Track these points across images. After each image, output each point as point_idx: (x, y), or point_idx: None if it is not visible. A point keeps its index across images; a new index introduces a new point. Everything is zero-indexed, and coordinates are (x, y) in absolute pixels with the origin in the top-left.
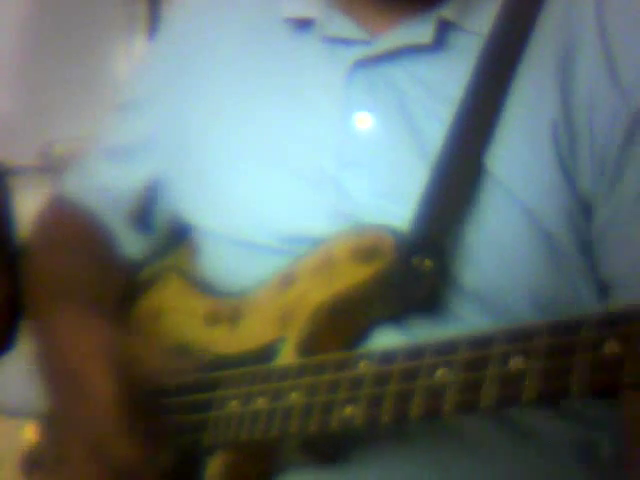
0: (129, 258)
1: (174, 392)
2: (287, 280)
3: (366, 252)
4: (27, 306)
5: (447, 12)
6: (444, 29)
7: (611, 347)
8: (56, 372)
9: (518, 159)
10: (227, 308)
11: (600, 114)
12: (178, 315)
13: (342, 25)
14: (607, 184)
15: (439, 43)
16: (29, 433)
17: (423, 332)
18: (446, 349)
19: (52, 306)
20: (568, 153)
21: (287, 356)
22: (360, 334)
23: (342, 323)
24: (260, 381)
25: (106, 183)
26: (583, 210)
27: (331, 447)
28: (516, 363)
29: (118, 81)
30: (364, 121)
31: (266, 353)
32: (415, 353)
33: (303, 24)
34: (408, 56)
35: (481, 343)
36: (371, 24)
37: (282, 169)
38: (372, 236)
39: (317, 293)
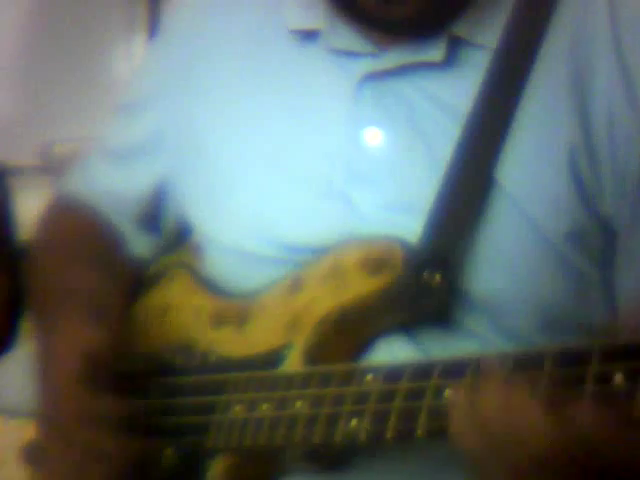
0: (138, 258)
1: (177, 392)
2: (295, 286)
3: (375, 263)
4: (29, 308)
5: (458, 28)
6: (455, 45)
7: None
8: (45, 375)
9: (529, 174)
10: (234, 310)
11: (619, 133)
12: (184, 313)
13: (348, 37)
14: (629, 205)
15: (450, 59)
16: (29, 433)
17: (431, 343)
18: (454, 369)
19: (51, 310)
20: (590, 175)
21: (293, 363)
22: (366, 344)
23: (349, 333)
24: (266, 387)
25: (111, 186)
26: (602, 230)
27: (333, 455)
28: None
29: (118, 82)
30: (374, 136)
31: (272, 358)
32: (422, 370)
33: (308, 35)
34: (417, 71)
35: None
36: (377, 37)
37: (289, 180)
38: (382, 247)
39: (325, 301)
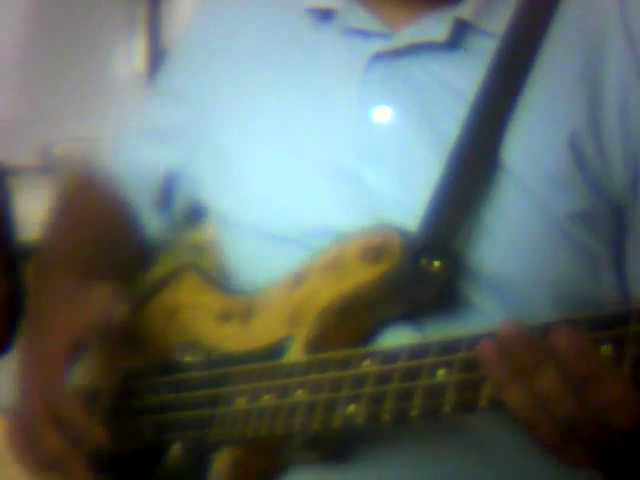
0: (148, 236)
1: (182, 388)
2: (298, 279)
3: (374, 252)
4: (33, 269)
5: (464, 12)
6: (461, 29)
7: None
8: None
9: (533, 155)
10: (240, 306)
11: (632, 118)
12: (193, 311)
13: (362, 17)
14: None
15: (455, 42)
16: None
17: (438, 328)
18: (449, 349)
19: (53, 272)
20: (597, 159)
21: (295, 354)
22: (368, 333)
23: (350, 322)
24: (267, 378)
25: (137, 159)
26: (612, 211)
27: (336, 444)
28: None
29: (118, 82)
30: (383, 115)
31: (274, 351)
32: (417, 352)
33: (324, 15)
34: (425, 52)
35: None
36: (390, 18)
37: (302, 160)
38: (380, 236)
39: (326, 292)
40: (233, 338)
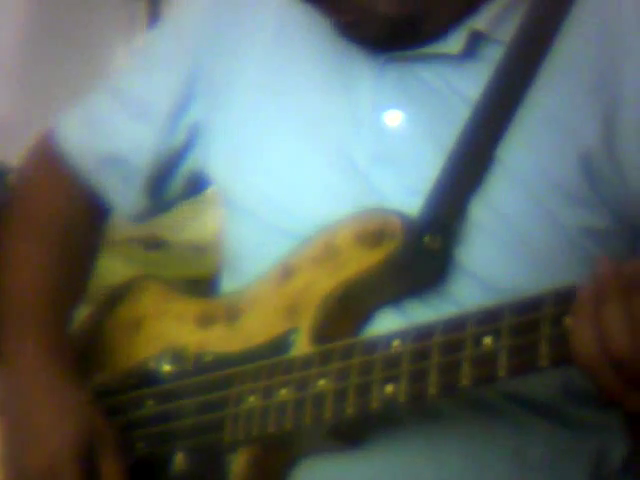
0: (125, 216)
1: (176, 396)
2: (286, 272)
3: (373, 236)
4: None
5: (479, 23)
6: (475, 39)
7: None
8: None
9: (539, 160)
10: (221, 307)
11: None
12: (164, 320)
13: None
14: None
15: (469, 51)
16: None
17: (421, 315)
18: (489, 318)
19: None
20: (613, 176)
21: (303, 346)
22: (369, 316)
23: (354, 308)
24: (280, 373)
25: (126, 139)
26: (630, 229)
27: (356, 432)
28: (567, 323)
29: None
30: (394, 118)
31: (277, 346)
32: (456, 324)
33: None
34: (437, 59)
35: (529, 307)
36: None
37: (312, 153)
38: (377, 220)
39: (325, 282)
40: (222, 340)
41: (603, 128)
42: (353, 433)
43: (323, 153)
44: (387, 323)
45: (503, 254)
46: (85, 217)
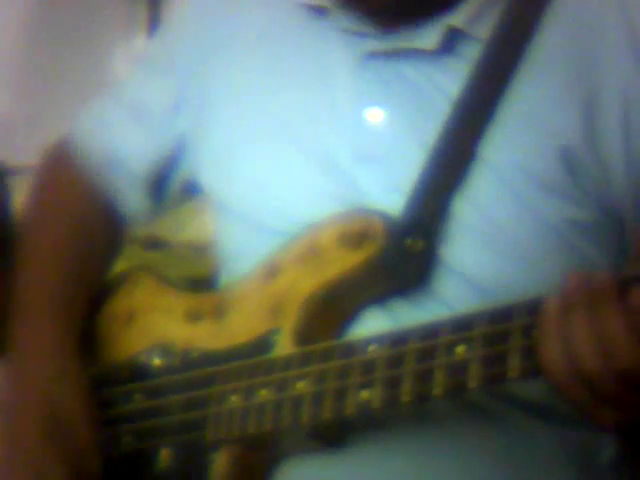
0: (131, 217)
1: (164, 392)
2: (271, 271)
3: (355, 237)
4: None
5: (456, 20)
6: (452, 36)
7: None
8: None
9: (519, 155)
10: (208, 304)
11: (635, 126)
12: (155, 314)
13: (354, 19)
14: None
15: (446, 48)
16: None
17: (407, 314)
18: (464, 326)
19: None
20: (594, 167)
21: (285, 346)
22: (353, 317)
23: (336, 309)
24: (261, 373)
25: (128, 143)
26: (615, 221)
27: (337, 433)
28: (536, 336)
29: (118, 82)
30: (375, 115)
31: (259, 345)
32: (429, 332)
33: (318, 11)
34: (418, 55)
35: (500, 316)
36: (382, 18)
37: (296, 154)
38: (360, 221)
39: (307, 282)
40: (209, 336)
41: (583, 121)
42: (333, 435)
43: (306, 152)
44: (373, 323)
45: (488, 252)
46: (101, 216)
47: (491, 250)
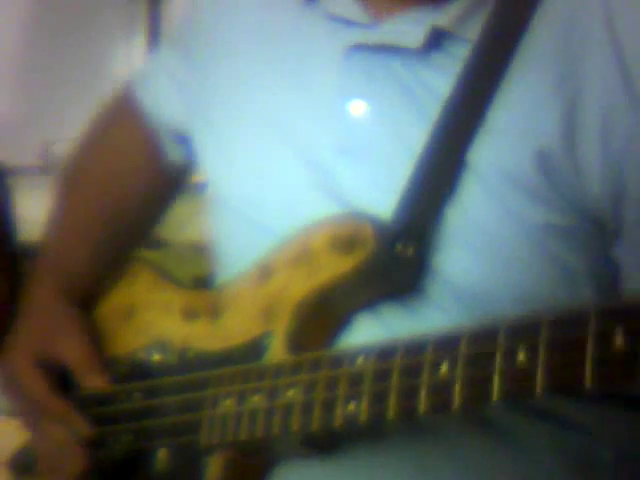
0: (173, 164)
1: (161, 392)
2: (265, 272)
3: (346, 242)
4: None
5: (442, 19)
6: (438, 35)
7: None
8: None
9: (501, 160)
10: (205, 302)
11: (613, 136)
12: (154, 310)
13: (344, 4)
14: (625, 203)
15: (433, 46)
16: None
17: (398, 321)
18: (448, 343)
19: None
20: (571, 174)
21: (277, 351)
22: (346, 321)
23: (328, 314)
24: (254, 378)
25: (161, 95)
26: (593, 226)
27: (330, 440)
28: (524, 356)
29: (118, 82)
30: (359, 108)
31: (253, 348)
32: (416, 347)
33: None
34: (405, 50)
35: (484, 336)
36: (372, 7)
37: (282, 146)
38: (350, 225)
39: (299, 286)
40: (204, 336)
41: (563, 125)
42: (325, 443)
43: (289, 143)
44: (365, 330)
45: (478, 260)
46: (144, 155)
47: (480, 259)
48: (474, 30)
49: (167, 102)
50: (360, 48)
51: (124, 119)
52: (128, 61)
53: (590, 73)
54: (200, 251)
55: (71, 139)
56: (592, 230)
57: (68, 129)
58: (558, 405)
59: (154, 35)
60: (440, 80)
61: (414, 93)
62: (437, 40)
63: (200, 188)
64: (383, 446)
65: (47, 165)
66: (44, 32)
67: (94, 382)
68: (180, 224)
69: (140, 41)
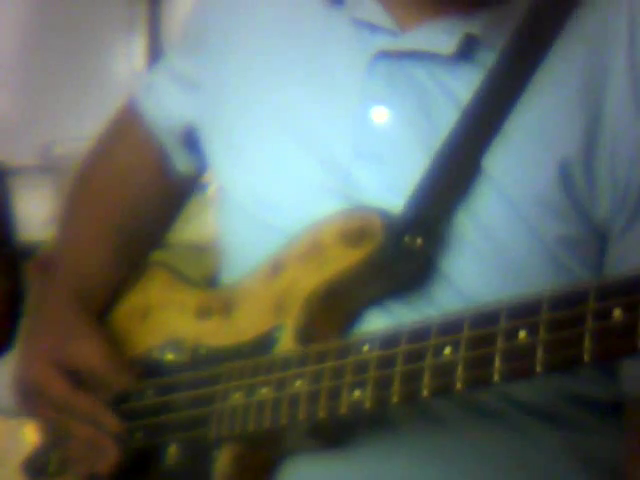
0: (181, 174)
1: (173, 389)
2: (276, 267)
3: (355, 235)
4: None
5: (474, 27)
6: (469, 43)
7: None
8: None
9: (521, 171)
10: (218, 300)
11: (623, 147)
12: (168, 310)
13: (371, 10)
14: (626, 218)
15: (462, 54)
16: (29, 433)
17: (408, 317)
18: (451, 328)
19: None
20: (585, 187)
21: (286, 344)
22: (356, 315)
23: (337, 307)
24: (262, 371)
25: (166, 101)
26: (596, 237)
27: (337, 431)
28: (523, 337)
29: (118, 82)
30: (381, 115)
31: (264, 342)
32: (420, 333)
33: (334, 1)
34: (431, 57)
35: (486, 319)
36: (400, 15)
37: (298, 147)
38: (359, 218)
39: (309, 279)
40: (216, 333)
41: (584, 140)
42: (331, 434)
43: (307, 146)
44: (375, 325)
45: (484, 266)
46: (152, 166)
47: (487, 265)
48: (500, 39)
49: (172, 104)
50: (385, 55)
51: (129, 132)
52: (128, 61)
53: (609, 96)
54: (201, 251)
55: (71, 139)
56: (600, 242)
57: (68, 129)
58: (571, 409)
59: (154, 35)
60: (463, 88)
61: (437, 102)
62: (468, 48)
63: (200, 188)
64: (390, 440)
65: (47, 165)
66: (44, 32)
67: (123, 381)
68: (180, 224)
69: (140, 41)
